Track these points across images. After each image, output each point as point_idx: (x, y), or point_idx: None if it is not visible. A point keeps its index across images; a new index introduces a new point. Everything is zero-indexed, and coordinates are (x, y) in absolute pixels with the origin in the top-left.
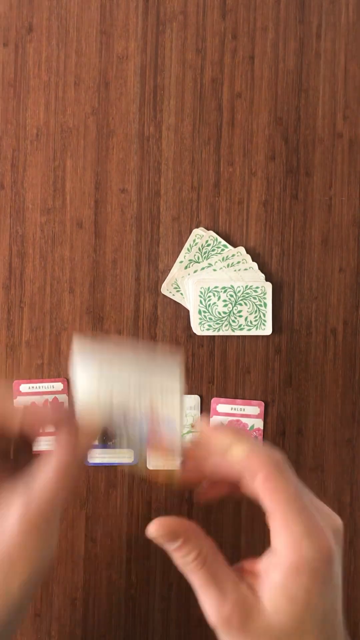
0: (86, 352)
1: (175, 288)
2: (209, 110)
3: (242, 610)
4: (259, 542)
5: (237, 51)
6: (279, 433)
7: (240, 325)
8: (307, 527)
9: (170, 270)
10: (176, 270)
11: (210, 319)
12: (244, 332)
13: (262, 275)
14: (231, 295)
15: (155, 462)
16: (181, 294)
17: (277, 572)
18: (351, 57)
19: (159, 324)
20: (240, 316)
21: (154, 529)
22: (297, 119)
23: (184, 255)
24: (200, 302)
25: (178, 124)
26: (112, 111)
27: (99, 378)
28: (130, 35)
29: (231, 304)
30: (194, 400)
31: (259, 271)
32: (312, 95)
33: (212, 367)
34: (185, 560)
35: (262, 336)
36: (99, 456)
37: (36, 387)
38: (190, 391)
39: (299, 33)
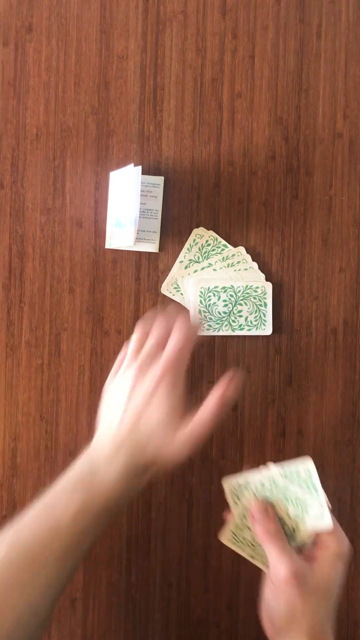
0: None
1: (175, 288)
2: (209, 110)
3: (302, 571)
4: None
5: (237, 50)
6: (279, 433)
7: (240, 325)
8: (343, 539)
9: (170, 270)
10: (176, 270)
11: (210, 319)
12: (244, 332)
13: (262, 275)
14: (231, 295)
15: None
16: (181, 294)
17: (328, 555)
18: (351, 57)
19: None
20: (241, 316)
21: (258, 505)
22: (297, 118)
23: (184, 255)
24: (200, 302)
25: (178, 124)
26: (112, 111)
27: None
28: (130, 35)
29: (231, 304)
30: None
31: (259, 271)
32: (312, 95)
33: (212, 367)
34: (269, 529)
35: (262, 336)
36: None
37: None
38: (190, 391)
39: (299, 33)
